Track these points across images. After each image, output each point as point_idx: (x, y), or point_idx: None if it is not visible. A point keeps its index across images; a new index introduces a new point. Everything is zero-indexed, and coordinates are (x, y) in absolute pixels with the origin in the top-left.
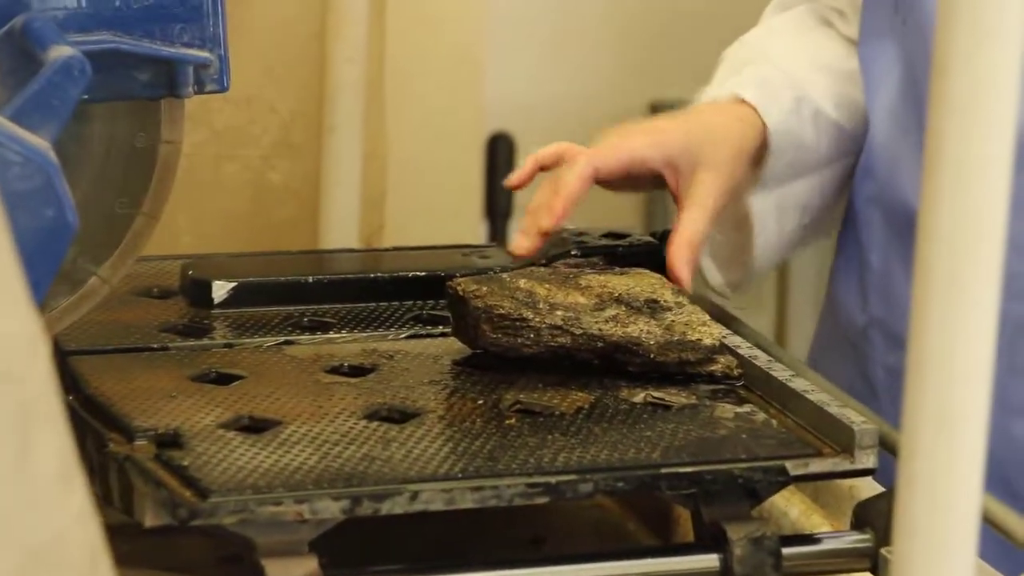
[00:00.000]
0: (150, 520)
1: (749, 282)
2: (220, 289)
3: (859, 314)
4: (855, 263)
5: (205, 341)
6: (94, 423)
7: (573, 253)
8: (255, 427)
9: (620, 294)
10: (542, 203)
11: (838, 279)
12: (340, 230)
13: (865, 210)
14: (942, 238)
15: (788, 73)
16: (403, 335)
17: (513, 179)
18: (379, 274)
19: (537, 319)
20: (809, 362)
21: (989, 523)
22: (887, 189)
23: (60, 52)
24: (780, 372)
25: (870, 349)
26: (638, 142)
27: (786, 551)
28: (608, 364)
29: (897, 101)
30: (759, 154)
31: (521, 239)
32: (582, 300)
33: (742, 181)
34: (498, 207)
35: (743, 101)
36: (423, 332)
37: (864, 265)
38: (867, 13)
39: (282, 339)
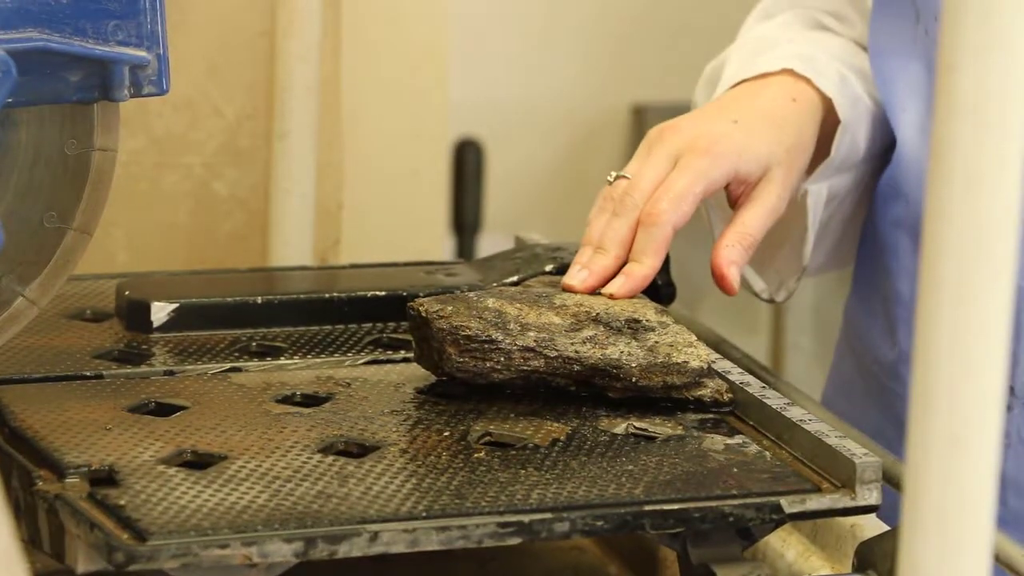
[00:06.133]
0: (83, 565)
1: (795, 286)
2: (160, 311)
3: (887, 350)
4: (878, 295)
5: (143, 368)
6: (21, 459)
7: (547, 270)
8: (199, 462)
9: (598, 313)
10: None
11: (857, 314)
12: (292, 245)
13: (892, 234)
14: (950, 249)
15: (819, 53)
16: (361, 361)
17: None
18: (335, 294)
19: (507, 341)
20: (825, 406)
21: (1003, 565)
22: (918, 210)
23: None
24: (775, 400)
25: (901, 387)
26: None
27: None
28: (586, 390)
29: (925, 117)
30: (818, 136)
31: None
32: (556, 320)
33: (803, 171)
34: (466, 220)
35: (791, 74)
36: (383, 357)
37: (891, 296)
38: (880, 23)
39: (228, 366)
